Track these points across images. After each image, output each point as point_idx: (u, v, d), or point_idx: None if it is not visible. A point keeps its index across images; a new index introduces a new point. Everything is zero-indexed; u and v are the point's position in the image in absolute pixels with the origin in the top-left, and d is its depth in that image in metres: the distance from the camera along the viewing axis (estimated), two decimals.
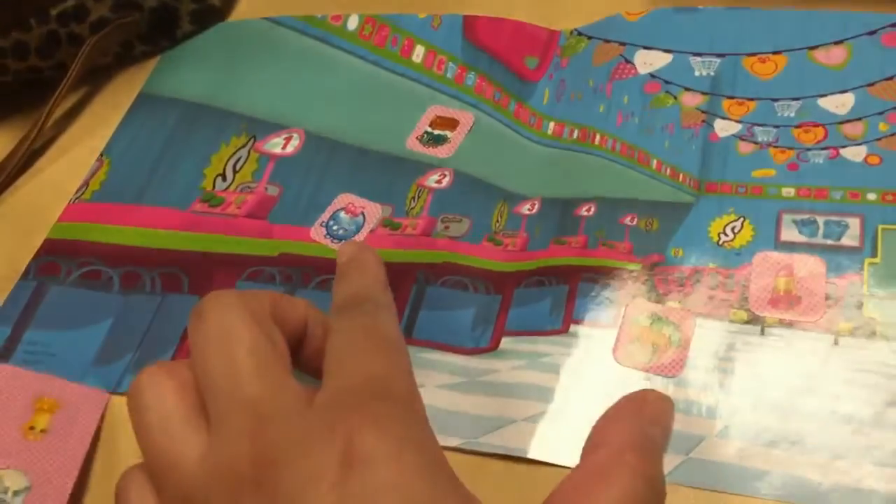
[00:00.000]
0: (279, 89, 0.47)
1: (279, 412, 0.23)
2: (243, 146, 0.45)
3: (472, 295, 0.38)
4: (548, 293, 0.38)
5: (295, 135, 0.45)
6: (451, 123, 0.45)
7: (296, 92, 0.47)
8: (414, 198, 0.42)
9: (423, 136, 0.45)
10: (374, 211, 0.42)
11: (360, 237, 0.41)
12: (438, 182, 0.42)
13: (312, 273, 0.40)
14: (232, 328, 0.25)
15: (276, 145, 0.45)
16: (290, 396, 0.23)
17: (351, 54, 0.48)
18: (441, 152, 0.43)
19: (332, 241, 0.40)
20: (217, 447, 0.23)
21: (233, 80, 0.48)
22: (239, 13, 0.51)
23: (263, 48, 0.49)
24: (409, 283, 0.38)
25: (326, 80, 0.47)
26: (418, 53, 0.48)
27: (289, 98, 0.47)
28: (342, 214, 0.42)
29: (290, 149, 0.45)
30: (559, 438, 0.33)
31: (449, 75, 0.47)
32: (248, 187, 0.43)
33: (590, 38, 0.46)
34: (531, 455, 0.33)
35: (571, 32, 0.46)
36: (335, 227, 0.41)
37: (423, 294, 0.38)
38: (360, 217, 0.42)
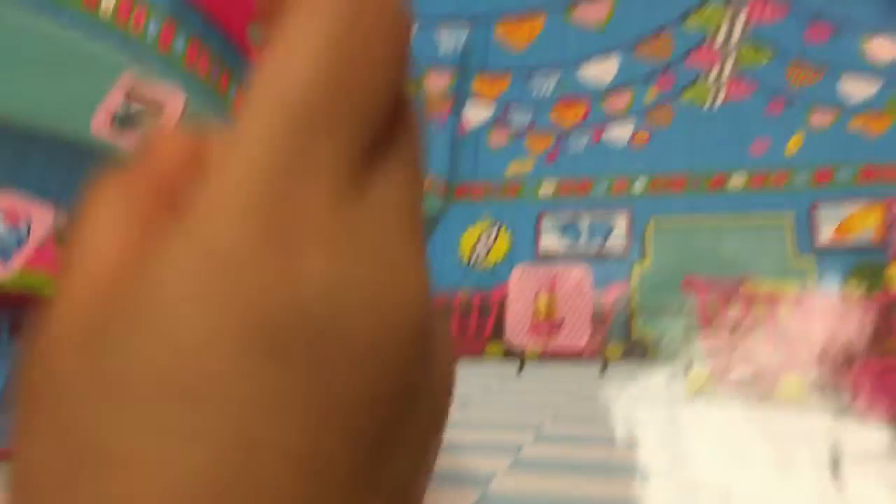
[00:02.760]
0: None
1: None
2: None
3: None
4: None
5: None
6: (154, 105, 0.27)
7: None
8: None
9: (114, 119, 0.27)
10: (41, 217, 0.24)
11: (22, 255, 0.23)
12: None
13: None
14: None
15: None
16: None
17: (23, 7, 0.28)
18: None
19: None
20: None
21: None
22: None
23: None
24: None
25: None
26: (108, 2, 0.28)
27: None
28: None
29: None
30: None
31: (150, 35, 0.28)
32: None
33: None
34: None
35: None
36: None
37: None
38: (24, 227, 0.25)
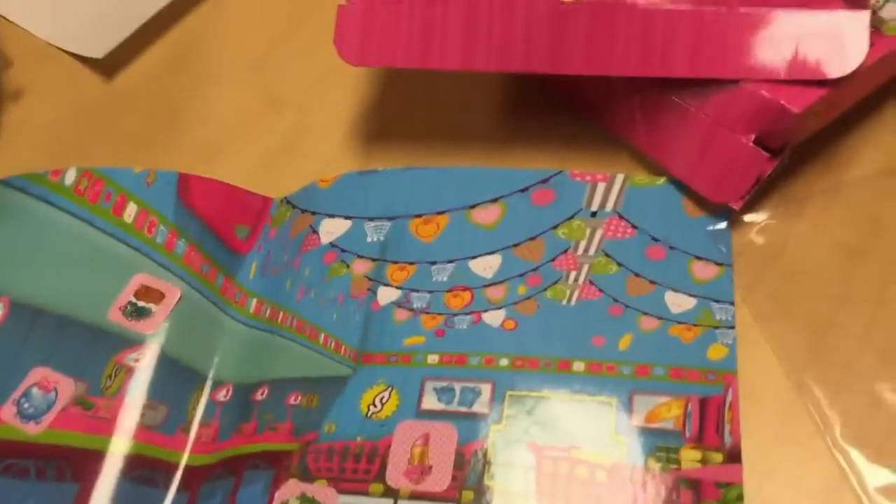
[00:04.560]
0: None
1: None
2: None
3: (162, 492, 0.35)
4: (218, 488, 0.35)
5: (0, 304, 0.39)
6: (157, 296, 0.41)
7: (5, 257, 0.41)
8: (110, 376, 0.37)
9: (126, 308, 0.40)
10: (67, 386, 0.37)
11: (50, 416, 0.36)
12: (137, 361, 0.38)
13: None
14: None
15: None
16: None
17: (64, 212, 0.42)
18: (144, 327, 0.39)
19: (22, 422, 0.36)
20: None
21: None
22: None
23: None
24: (95, 475, 0.35)
25: (36, 242, 0.42)
26: (130, 212, 0.43)
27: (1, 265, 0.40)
28: (34, 390, 0.37)
29: None
30: None
31: (159, 240, 0.42)
32: None
33: (294, 206, 0.42)
34: None
35: (282, 201, 0.42)
36: (26, 406, 0.37)
37: (116, 488, 0.35)
38: (53, 393, 0.37)
